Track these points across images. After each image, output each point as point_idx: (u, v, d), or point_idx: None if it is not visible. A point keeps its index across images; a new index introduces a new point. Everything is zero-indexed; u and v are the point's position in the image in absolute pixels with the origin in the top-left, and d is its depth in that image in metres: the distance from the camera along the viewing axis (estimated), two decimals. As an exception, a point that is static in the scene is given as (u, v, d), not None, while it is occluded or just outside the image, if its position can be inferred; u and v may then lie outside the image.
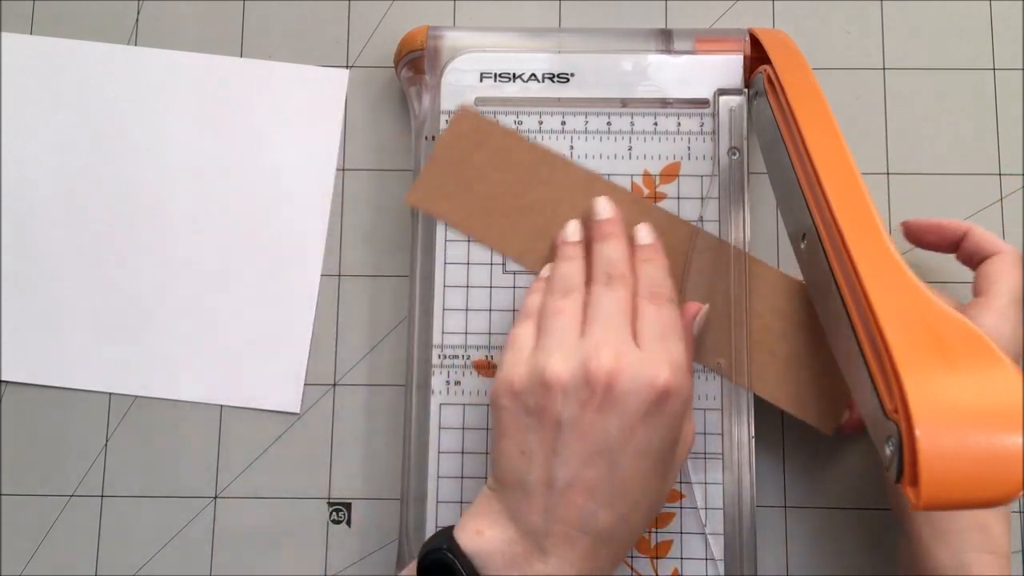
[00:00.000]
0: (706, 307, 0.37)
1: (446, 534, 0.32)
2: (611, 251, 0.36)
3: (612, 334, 0.32)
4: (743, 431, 0.38)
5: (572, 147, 0.40)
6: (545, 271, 0.37)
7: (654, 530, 0.38)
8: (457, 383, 0.39)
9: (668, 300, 0.34)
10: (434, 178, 0.40)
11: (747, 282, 0.38)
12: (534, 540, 0.30)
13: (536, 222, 0.39)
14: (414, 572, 0.32)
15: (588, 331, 0.32)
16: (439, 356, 0.39)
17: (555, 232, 0.38)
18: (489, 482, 0.33)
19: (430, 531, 0.38)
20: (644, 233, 0.37)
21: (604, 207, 0.37)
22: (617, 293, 0.34)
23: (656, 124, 0.40)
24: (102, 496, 0.42)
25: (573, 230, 0.38)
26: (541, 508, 0.30)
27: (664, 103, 0.40)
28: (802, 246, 0.32)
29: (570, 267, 0.36)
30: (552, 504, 0.30)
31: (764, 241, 0.42)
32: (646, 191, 0.40)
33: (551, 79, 0.41)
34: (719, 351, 0.38)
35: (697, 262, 0.39)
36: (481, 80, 0.41)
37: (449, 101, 0.41)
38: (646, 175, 0.40)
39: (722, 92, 0.40)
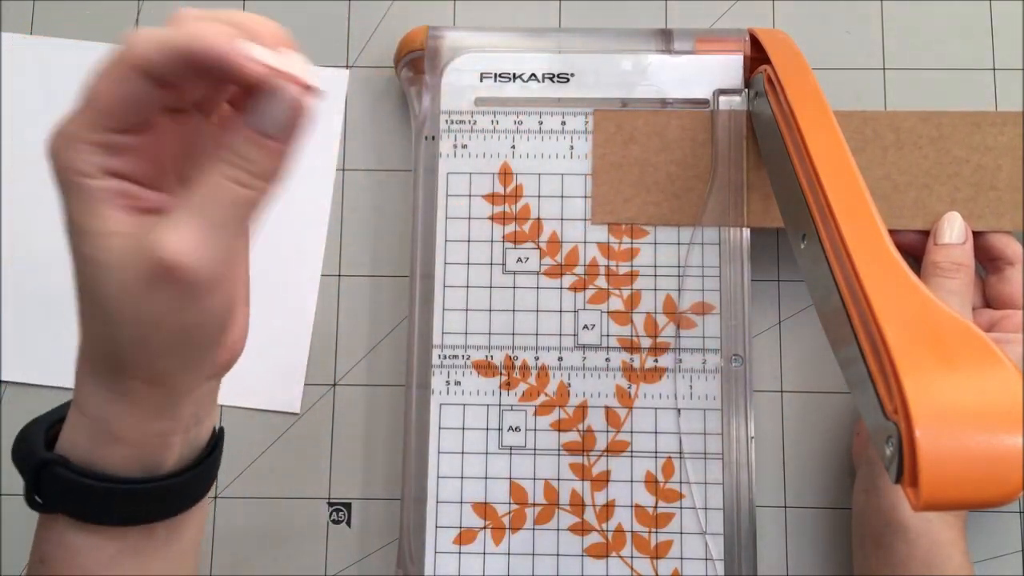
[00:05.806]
0: None
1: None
2: None
3: None
4: (743, 431, 0.38)
5: (572, 147, 0.40)
6: None
7: (654, 530, 0.38)
8: (457, 383, 0.39)
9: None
10: (606, 190, 0.40)
11: None
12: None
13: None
14: None
15: None
16: (439, 356, 0.39)
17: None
18: None
19: (430, 531, 0.38)
20: None
21: None
22: None
23: (656, 124, 0.40)
24: (102, 496, 0.42)
25: None
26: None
27: (664, 103, 0.40)
28: (802, 246, 0.32)
29: None
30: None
31: (764, 241, 0.42)
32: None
33: (551, 79, 0.41)
34: None
35: None
36: (481, 80, 0.41)
37: (449, 101, 0.41)
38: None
39: (722, 92, 0.40)
